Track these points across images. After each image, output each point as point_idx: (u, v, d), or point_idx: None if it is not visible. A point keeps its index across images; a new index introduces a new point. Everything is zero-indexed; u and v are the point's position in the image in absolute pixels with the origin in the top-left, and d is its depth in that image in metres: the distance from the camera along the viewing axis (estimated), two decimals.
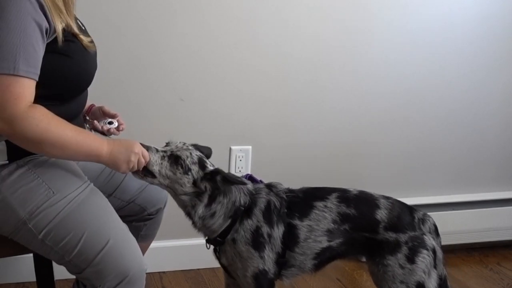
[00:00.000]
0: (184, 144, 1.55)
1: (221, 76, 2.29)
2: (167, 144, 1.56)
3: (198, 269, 2.42)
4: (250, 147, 2.40)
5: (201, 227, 1.56)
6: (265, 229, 1.54)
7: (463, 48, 2.56)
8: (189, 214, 1.56)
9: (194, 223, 1.57)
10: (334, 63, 2.41)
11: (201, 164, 1.52)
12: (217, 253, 1.61)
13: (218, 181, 1.50)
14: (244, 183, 1.52)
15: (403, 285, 1.56)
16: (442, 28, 2.51)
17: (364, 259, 2.47)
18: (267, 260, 1.54)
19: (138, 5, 2.12)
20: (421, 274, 1.56)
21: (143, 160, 1.45)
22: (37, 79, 1.29)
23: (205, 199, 1.51)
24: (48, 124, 1.28)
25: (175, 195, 1.55)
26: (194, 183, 1.50)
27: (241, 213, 1.54)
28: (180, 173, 1.49)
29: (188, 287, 2.31)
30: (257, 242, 1.53)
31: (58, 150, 1.32)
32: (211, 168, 1.54)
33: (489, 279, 2.50)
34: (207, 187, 1.51)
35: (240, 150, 2.39)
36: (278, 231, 1.55)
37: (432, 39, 2.50)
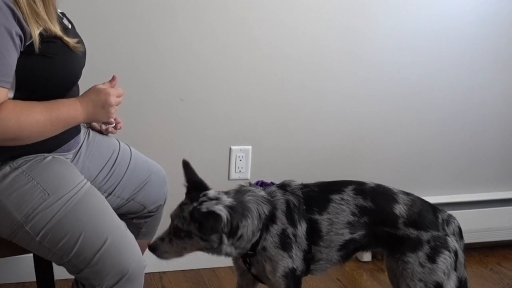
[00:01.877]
0: (181, 205, 1.50)
1: (221, 76, 2.29)
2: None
3: (198, 269, 2.41)
4: (250, 147, 2.40)
5: (236, 254, 1.55)
6: (290, 230, 1.54)
7: (463, 49, 2.56)
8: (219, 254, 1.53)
9: (227, 255, 1.54)
10: (334, 64, 2.41)
11: (194, 218, 1.45)
12: (247, 264, 1.60)
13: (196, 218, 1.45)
14: (215, 212, 1.44)
15: (422, 283, 1.55)
16: (442, 30, 2.50)
17: (364, 259, 2.50)
18: (296, 259, 1.54)
19: (138, 5, 2.12)
20: (440, 275, 1.55)
21: (121, 99, 1.49)
22: (8, 87, 1.29)
23: (225, 240, 1.47)
24: (17, 120, 1.29)
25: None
26: (203, 239, 1.46)
27: (266, 222, 1.53)
28: (188, 240, 1.47)
29: (188, 287, 2.31)
30: (285, 243, 1.53)
31: (36, 136, 1.37)
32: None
33: (489, 279, 2.50)
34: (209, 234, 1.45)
35: (240, 150, 2.39)
36: (302, 229, 1.55)
37: (432, 40, 2.50)
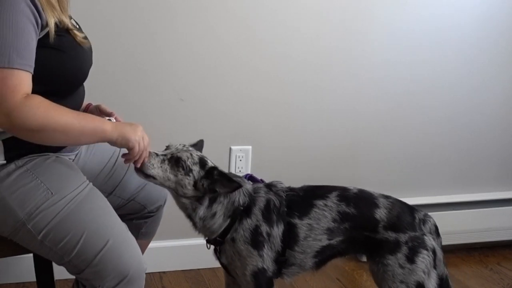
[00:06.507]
0: (184, 145, 1.56)
1: (221, 76, 2.29)
2: (167, 148, 1.57)
3: (198, 269, 2.42)
4: (250, 147, 2.40)
5: (202, 228, 1.57)
6: (264, 228, 1.54)
7: (463, 49, 2.56)
8: (189, 216, 1.57)
9: (194, 224, 1.58)
10: (334, 64, 2.41)
11: (202, 164, 1.53)
12: (218, 253, 1.62)
13: (215, 174, 1.50)
14: (240, 185, 1.51)
15: (403, 285, 1.57)
16: (442, 29, 2.51)
17: (364, 259, 2.50)
18: (266, 259, 1.54)
19: (138, 5, 2.12)
20: (421, 274, 1.56)
21: (147, 139, 1.45)
22: (32, 72, 1.29)
23: (206, 202, 1.53)
24: (46, 111, 1.28)
25: (177, 197, 1.55)
26: (195, 184, 1.51)
27: (239, 213, 1.55)
28: (181, 174, 1.50)
29: (188, 287, 2.31)
30: (256, 241, 1.54)
31: (61, 135, 1.32)
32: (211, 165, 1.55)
33: (489, 279, 2.50)
34: (205, 187, 1.51)
35: (240, 150, 2.39)
36: (278, 230, 1.56)
37: (432, 40, 2.50)
